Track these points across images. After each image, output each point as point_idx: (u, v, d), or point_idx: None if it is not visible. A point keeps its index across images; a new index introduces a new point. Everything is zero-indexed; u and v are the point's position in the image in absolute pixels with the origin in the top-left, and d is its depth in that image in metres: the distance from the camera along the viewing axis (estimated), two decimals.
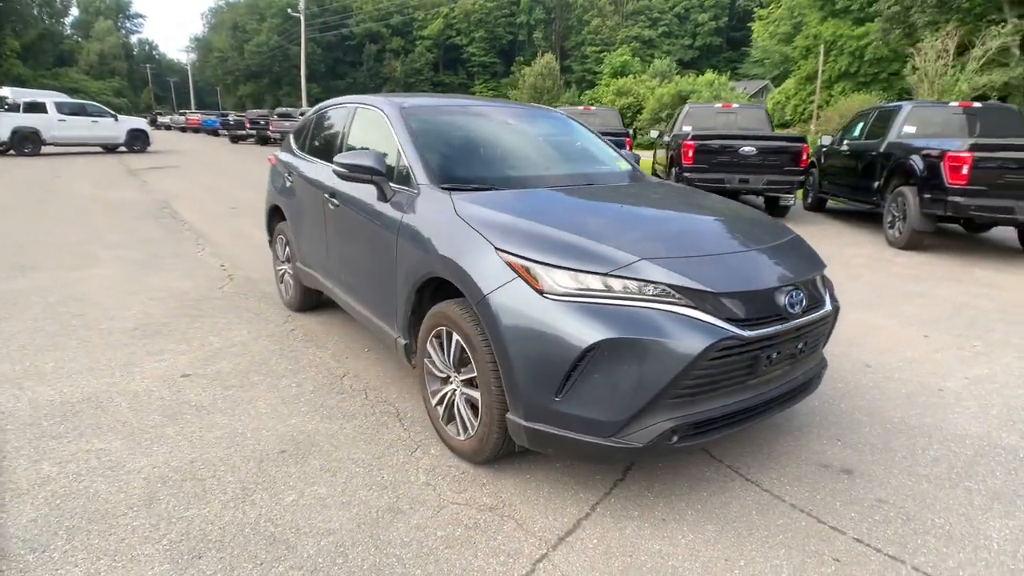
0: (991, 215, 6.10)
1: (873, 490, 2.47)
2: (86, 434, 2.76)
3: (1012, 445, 2.85)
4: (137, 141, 20.85)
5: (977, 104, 7.88)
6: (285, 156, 4.55)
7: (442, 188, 2.78)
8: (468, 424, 2.51)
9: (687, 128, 10.60)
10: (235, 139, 31.15)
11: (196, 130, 41.02)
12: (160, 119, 48.97)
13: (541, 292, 2.13)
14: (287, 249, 4.48)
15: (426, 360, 2.74)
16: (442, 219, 2.60)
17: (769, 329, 2.17)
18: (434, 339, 2.66)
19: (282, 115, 26.79)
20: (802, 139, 9.28)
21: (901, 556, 2.08)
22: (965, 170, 6.05)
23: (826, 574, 1.99)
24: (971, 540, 2.17)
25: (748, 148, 8.81)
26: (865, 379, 3.58)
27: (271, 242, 4.97)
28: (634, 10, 62.77)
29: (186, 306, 4.69)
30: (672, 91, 31.07)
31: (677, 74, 41.54)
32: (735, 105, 10.61)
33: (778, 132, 14.45)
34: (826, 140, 9.88)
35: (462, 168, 3.08)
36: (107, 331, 4.07)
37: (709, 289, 2.09)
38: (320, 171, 3.82)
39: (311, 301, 4.50)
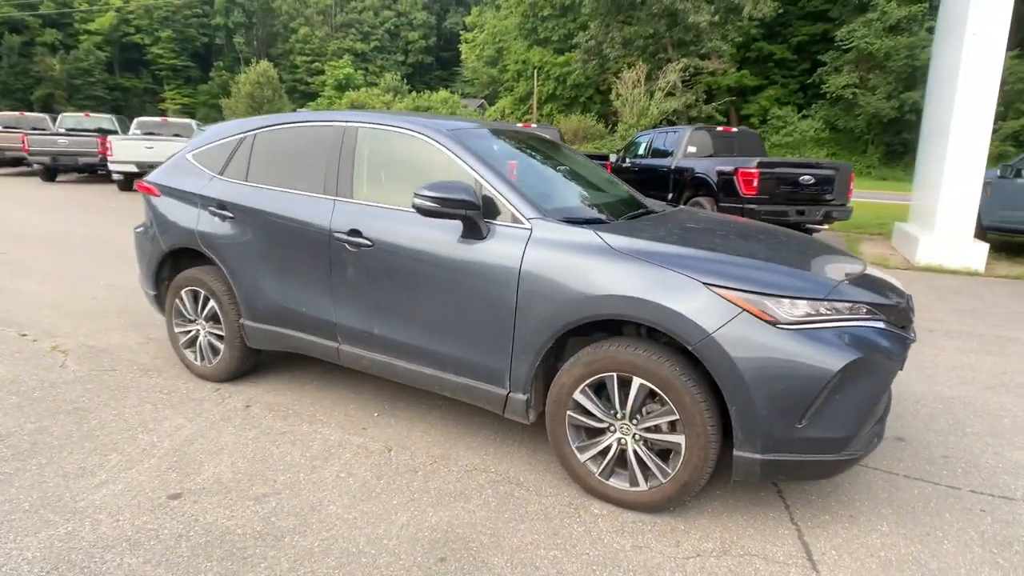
0: (774, 217, 7.79)
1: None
2: None
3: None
4: None
5: (734, 129, 9.91)
6: (194, 184, 3.51)
7: (563, 222, 2.54)
8: (656, 472, 2.35)
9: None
10: None
11: None
12: None
13: (774, 323, 2.13)
14: (210, 304, 3.47)
15: (570, 413, 2.47)
16: (592, 256, 2.38)
17: (911, 335, 2.51)
18: (588, 388, 2.42)
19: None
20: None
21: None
22: (755, 183, 7.62)
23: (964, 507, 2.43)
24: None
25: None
26: None
27: (157, 297, 3.79)
28: (343, 22, 62.03)
29: (46, 401, 3.29)
30: (408, 106, 31.66)
31: (410, 89, 42.57)
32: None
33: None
34: (611, 158, 11.31)
35: (555, 198, 2.83)
36: None
37: (891, 303, 2.35)
38: (307, 205, 3.07)
39: (249, 365, 3.57)
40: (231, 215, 3.31)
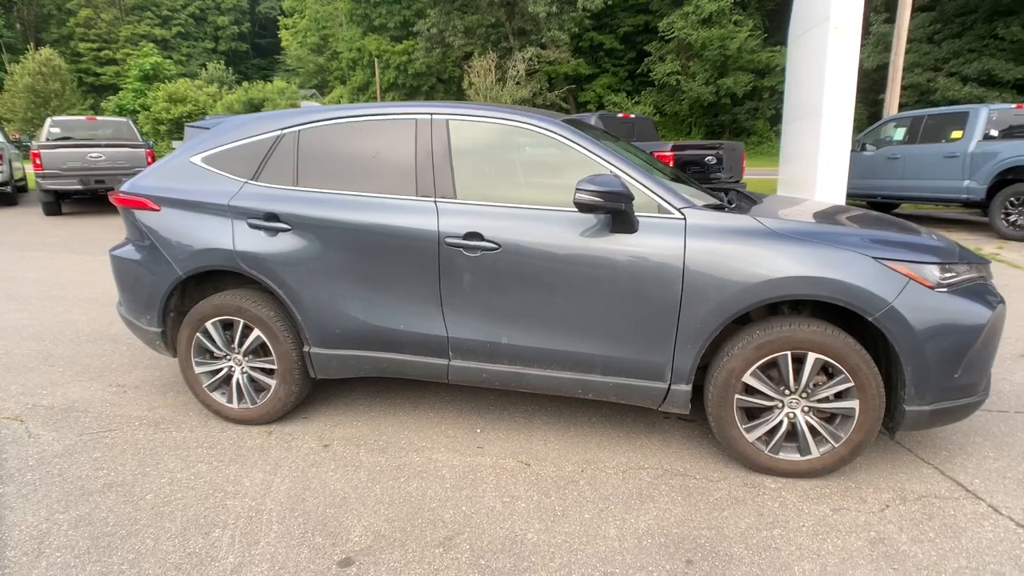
0: None
1: None
2: None
3: None
4: None
5: (632, 115, 10.41)
6: (216, 193, 2.94)
7: (708, 208, 2.55)
8: (828, 438, 2.49)
9: None
10: None
11: None
12: None
13: (932, 287, 2.36)
14: (254, 334, 2.95)
15: (738, 396, 2.52)
16: (757, 240, 2.42)
17: None
18: (758, 370, 2.49)
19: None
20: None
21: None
22: (672, 164, 8.16)
23: None
24: None
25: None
26: None
27: (163, 334, 3.13)
28: (137, 4, 54.55)
29: (54, 483, 2.60)
30: (241, 98, 28.88)
31: (237, 79, 38.65)
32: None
33: None
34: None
35: (679, 183, 2.80)
36: None
37: (982, 261, 2.70)
38: (402, 210, 2.73)
39: (297, 400, 3.12)
40: (286, 227, 2.83)
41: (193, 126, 3.31)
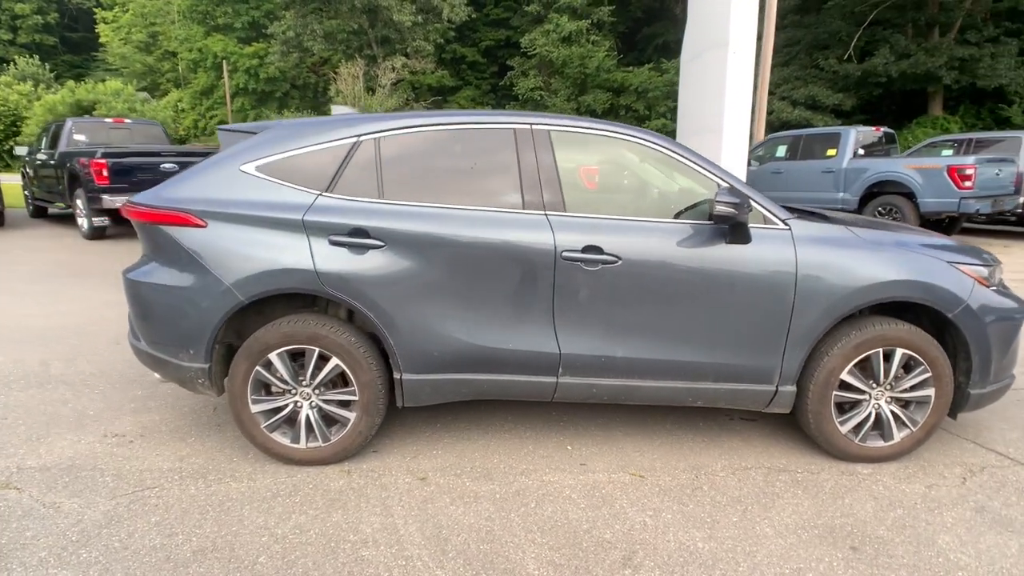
0: None
1: None
2: None
3: None
4: None
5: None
6: (284, 206, 2.60)
7: (802, 218, 2.76)
8: (908, 423, 2.80)
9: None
10: None
11: None
12: None
13: (988, 287, 2.77)
14: (331, 363, 2.65)
15: (835, 392, 2.75)
16: (854, 249, 2.67)
17: None
18: (855, 367, 2.74)
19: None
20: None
21: None
22: None
23: None
24: None
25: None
26: None
27: (209, 370, 2.69)
28: None
29: (141, 560, 2.14)
30: (67, 99, 25.00)
31: (56, 76, 33.24)
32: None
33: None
34: (21, 151, 11.21)
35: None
36: None
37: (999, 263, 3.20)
38: (512, 224, 2.61)
39: (373, 434, 2.85)
40: (379, 244, 2.58)
41: (228, 129, 2.87)
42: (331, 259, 2.58)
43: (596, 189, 2.80)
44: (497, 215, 2.64)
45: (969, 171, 7.91)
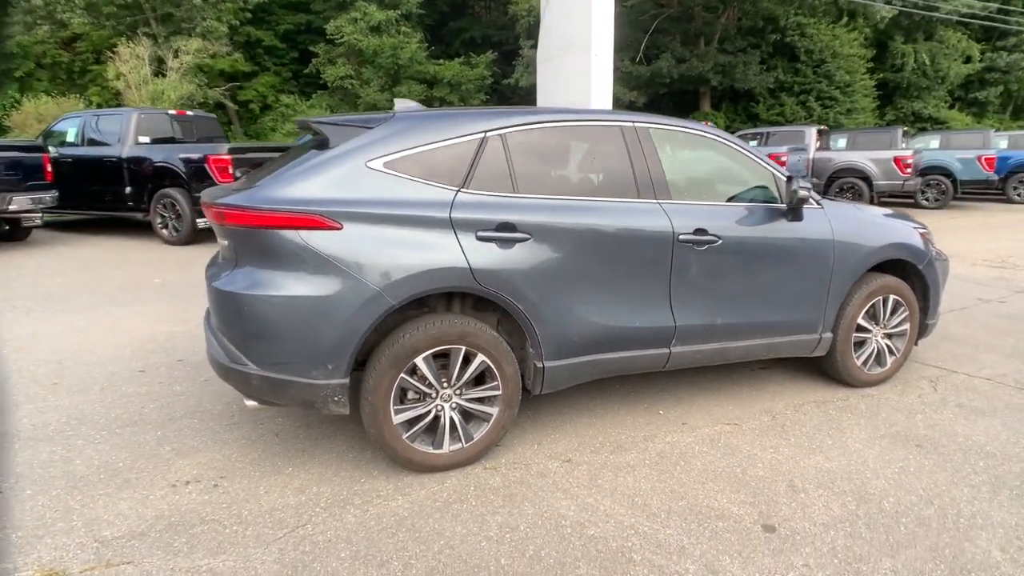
0: None
1: None
2: None
3: None
4: None
5: (190, 112, 10.30)
6: (426, 203, 2.51)
7: (827, 199, 3.43)
8: (895, 350, 3.64)
9: None
10: None
11: None
12: None
13: (935, 248, 3.71)
14: (477, 360, 2.63)
15: (854, 335, 3.48)
16: (859, 220, 3.42)
17: None
18: (866, 313, 3.48)
19: None
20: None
21: None
22: None
23: None
24: None
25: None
26: None
27: (347, 386, 2.50)
28: None
29: None
30: None
31: None
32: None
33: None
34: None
35: None
36: None
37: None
38: (636, 213, 2.86)
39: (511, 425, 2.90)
40: (525, 237, 2.62)
41: (330, 123, 2.59)
42: (482, 255, 2.56)
43: (684, 179, 3.14)
44: (623, 205, 2.86)
45: (784, 158, 9.82)
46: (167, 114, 9.82)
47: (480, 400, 2.73)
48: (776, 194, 3.22)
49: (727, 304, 3.11)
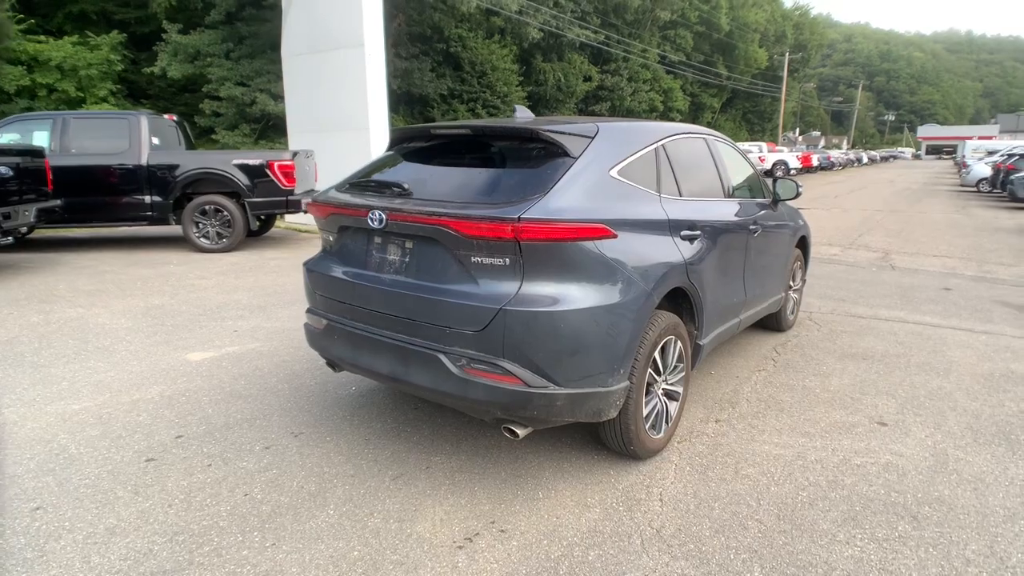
0: None
1: None
2: None
3: None
4: None
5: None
6: (651, 209, 2.71)
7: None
8: (796, 293, 5.09)
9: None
10: None
11: None
12: None
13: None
14: (676, 348, 2.92)
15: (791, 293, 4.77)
16: (792, 212, 4.69)
17: None
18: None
19: None
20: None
21: None
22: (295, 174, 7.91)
23: None
24: None
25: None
26: None
27: (629, 388, 2.53)
28: None
29: None
30: None
31: None
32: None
33: None
34: None
35: None
36: None
37: None
38: (732, 207, 3.56)
39: None
40: (699, 234, 2.99)
41: (561, 132, 2.39)
42: (685, 252, 2.85)
43: (733, 180, 3.87)
44: (728, 202, 3.50)
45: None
46: (163, 118, 8.98)
47: (674, 383, 3.00)
48: (763, 190, 4.22)
49: (759, 277, 3.97)
